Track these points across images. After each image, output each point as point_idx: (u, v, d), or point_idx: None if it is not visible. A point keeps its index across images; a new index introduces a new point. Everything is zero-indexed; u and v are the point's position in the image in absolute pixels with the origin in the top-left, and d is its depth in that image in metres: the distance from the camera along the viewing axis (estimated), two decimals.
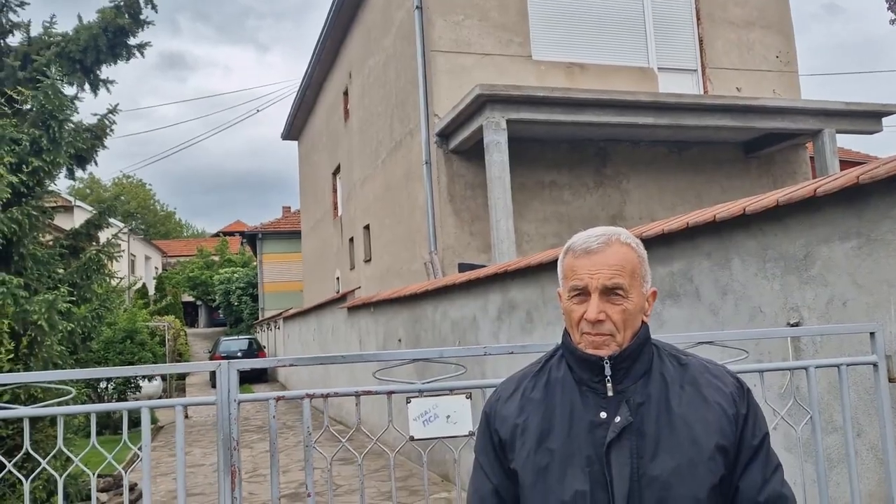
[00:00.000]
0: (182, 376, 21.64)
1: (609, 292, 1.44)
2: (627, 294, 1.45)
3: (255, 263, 35.08)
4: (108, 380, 13.02)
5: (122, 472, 2.65)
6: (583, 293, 1.46)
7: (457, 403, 2.68)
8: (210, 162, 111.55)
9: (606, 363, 1.45)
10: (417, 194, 11.23)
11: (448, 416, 2.67)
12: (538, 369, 1.59)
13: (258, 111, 52.56)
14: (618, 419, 1.43)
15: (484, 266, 8.20)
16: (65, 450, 2.69)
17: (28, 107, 6.20)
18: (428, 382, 2.71)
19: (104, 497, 6.82)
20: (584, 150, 10.96)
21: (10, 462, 2.71)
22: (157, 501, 7.56)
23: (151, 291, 36.01)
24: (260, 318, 31.00)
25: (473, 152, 10.09)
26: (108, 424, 12.35)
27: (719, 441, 1.42)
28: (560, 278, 1.54)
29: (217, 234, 52.05)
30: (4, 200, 4.75)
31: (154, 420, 14.16)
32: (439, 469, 8.07)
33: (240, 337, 27.38)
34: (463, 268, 8.80)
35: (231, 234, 48.30)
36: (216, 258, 42.38)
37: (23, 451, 2.72)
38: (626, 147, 11.16)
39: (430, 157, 10.61)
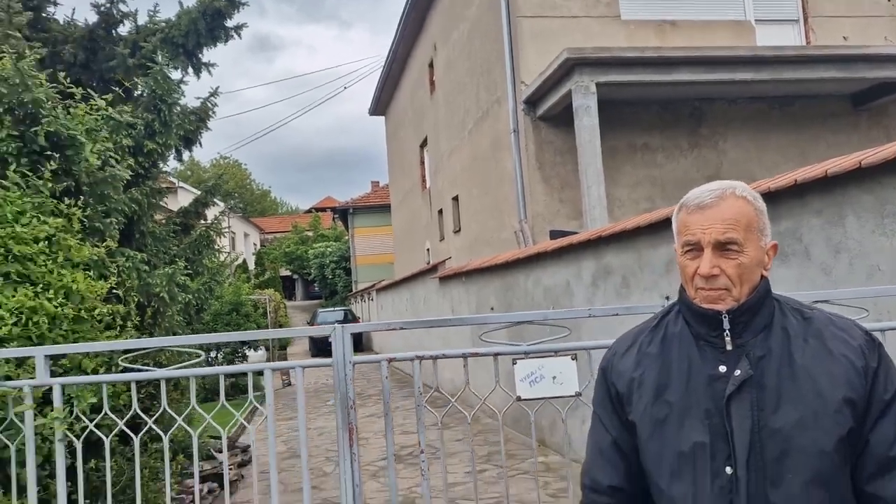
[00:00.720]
0: (283, 346, 22.62)
1: (722, 247, 1.44)
2: (742, 248, 1.45)
3: (347, 237, 36.01)
4: (218, 349, 13.79)
5: (248, 426, 2.87)
6: (695, 248, 1.47)
7: (562, 364, 2.72)
8: (300, 141, 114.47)
9: (725, 317, 1.46)
10: (505, 163, 11.21)
11: (554, 377, 2.73)
12: (654, 325, 1.61)
13: (345, 88, 53.59)
14: (737, 372, 1.43)
15: (575, 233, 8.14)
16: (198, 408, 2.92)
17: (139, 92, 6.59)
18: (533, 344, 2.77)
19: (222, 457, 7.28)
20: (677, 111, 10.61)
21: (150, 419, 2.96)
22: (267, 463, 8.00)
23: (252, 266, 37.60)
24: (353, 291, 31.88)
25: (562, 118, 9.96)
26: (217, 391, 13.12)
27: (847, 394, 1.40)
28: (675, 234, 1.55)
29: (310, 211, 53.62)
30: (125, 182, 5.09)
31: (259, 387, 14.90)
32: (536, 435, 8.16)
33: (335, 308, 28.28)
34: (554, 235, 8.77)
35: (323, 209, 49.65)
36: (310, 233, 43.73)
37: (160, 410, 2.97)
38: (723, 105, 10.72)
39: (517, 125, 10.55)
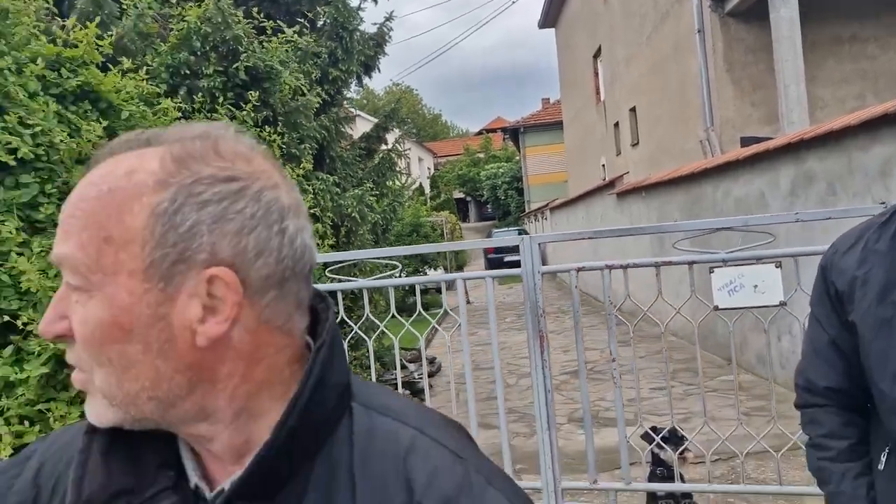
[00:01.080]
0: (460, 266, 23.40)
1: None
2: None
3: (518, 158, 35.90)
4: (402, 268, 14.58)
5: (443, 331, 3.04)
6: None
7: (766, 272, 2.57)
8: (468, 62, 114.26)
9: None
10: (689, 66, 10.46)
11: (755, 286, 2.58)
12: (885, 220, 1.46)
13: (513, 2, 52.08)
14: None
15: (770, 139, 7.49)
16: (398, 317, 3.12)
17: (321, 22, 6.87)
18: (732, 252, 2.63)
19: (412, 367, 7.80)
20: None
21: (355, 324, 3.21)
22: (455, 374, 8.42)
23: (427, 190, 38.84)
24: (526, 210, 31.96)
25: (754, 12, 9.04)
26: (404, 308, 13.92)
27: None
28: None
29: (480, 132, 53.88)
30: (315, 110, 5.40)
31: (440, 304, 15.70)
32: (722, 353, 7.86)
33: (509, 228, 28.60)
34: (746, 142, 8.13)
35: (493, 130, 49.68)
36: (481, 155, 44.11)
37: (363, 317, 3.20)
38: None
39: (702, 24, 9.74)
